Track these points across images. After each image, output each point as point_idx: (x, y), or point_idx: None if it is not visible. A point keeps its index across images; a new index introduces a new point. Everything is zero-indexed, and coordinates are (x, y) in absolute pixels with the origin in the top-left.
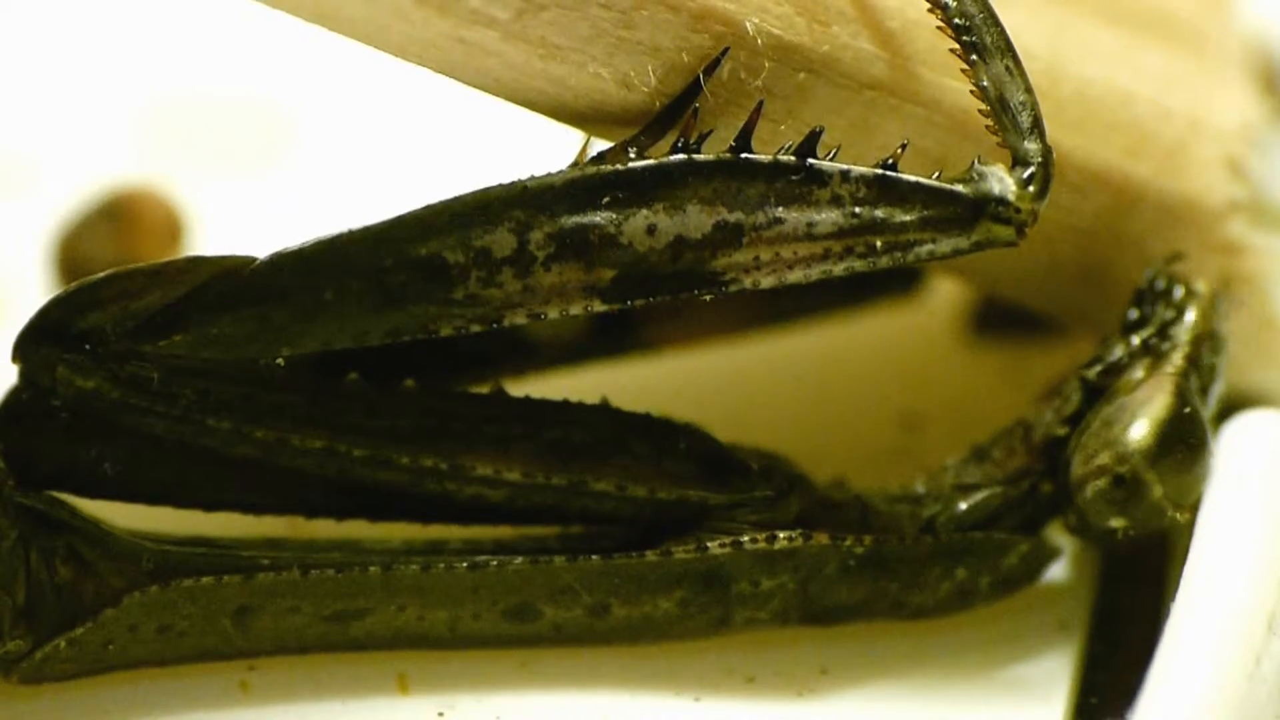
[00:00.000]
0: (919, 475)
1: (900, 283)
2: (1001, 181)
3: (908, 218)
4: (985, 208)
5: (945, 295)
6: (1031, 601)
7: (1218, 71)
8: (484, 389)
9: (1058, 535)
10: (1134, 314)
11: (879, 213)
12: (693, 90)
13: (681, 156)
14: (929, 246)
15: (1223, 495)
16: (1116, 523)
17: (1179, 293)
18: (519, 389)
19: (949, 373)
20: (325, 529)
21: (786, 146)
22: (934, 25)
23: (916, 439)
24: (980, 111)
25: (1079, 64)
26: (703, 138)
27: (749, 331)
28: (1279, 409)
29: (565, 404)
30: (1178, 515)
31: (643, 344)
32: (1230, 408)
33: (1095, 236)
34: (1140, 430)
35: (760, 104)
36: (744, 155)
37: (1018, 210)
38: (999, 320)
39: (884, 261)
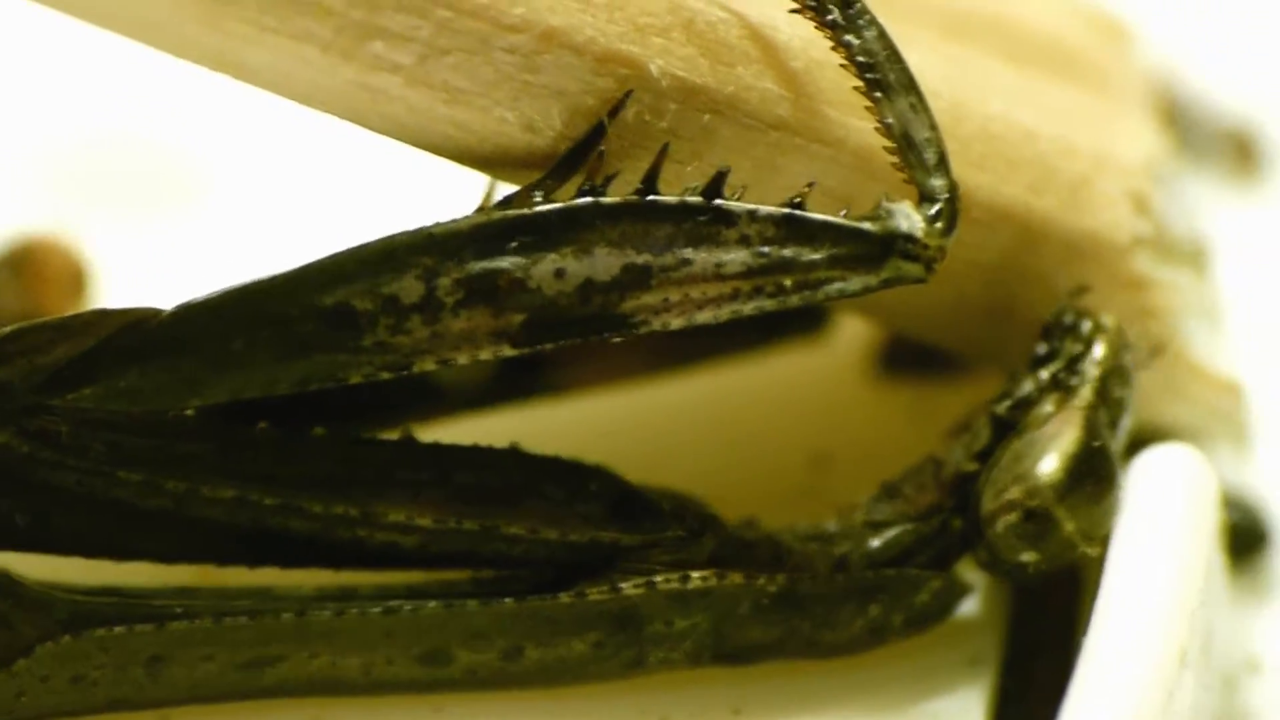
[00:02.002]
0: (830, 513)
1: (807, 322)
2: (909, 218)
3: (816, 256)
4: (894, 245)
5: (851, 334)
6: (943, 638)
7: (1120, 107)
8: (393, 435)
9: (969, 571)
10: (1042, 349)
11: (787, 252)
12: (597, 133)
13: (588, 199)
14: (838, 285)
15: (1133, 530)
16: (1027, 557)
17: (1086, 327)
18: (427, 435)
19: (856, 411)
20: (237, 576)
21: (693, 187)
22: (838, 64)
23: (824, 478)
24: (886, 149)
25: (981, 101)
26: (608, 180)
27: (656, 374)
28: (1186, 443)
29: (475, 449)
30: (1088, 549)
31: (550, 388)
32: (1138, 442)
33: (1001, 272)
34: (1050, 464)
35: (665, 146)
36: (650, 197)
37: (926, 246)
38: (904, 358)
39: (793, 300)
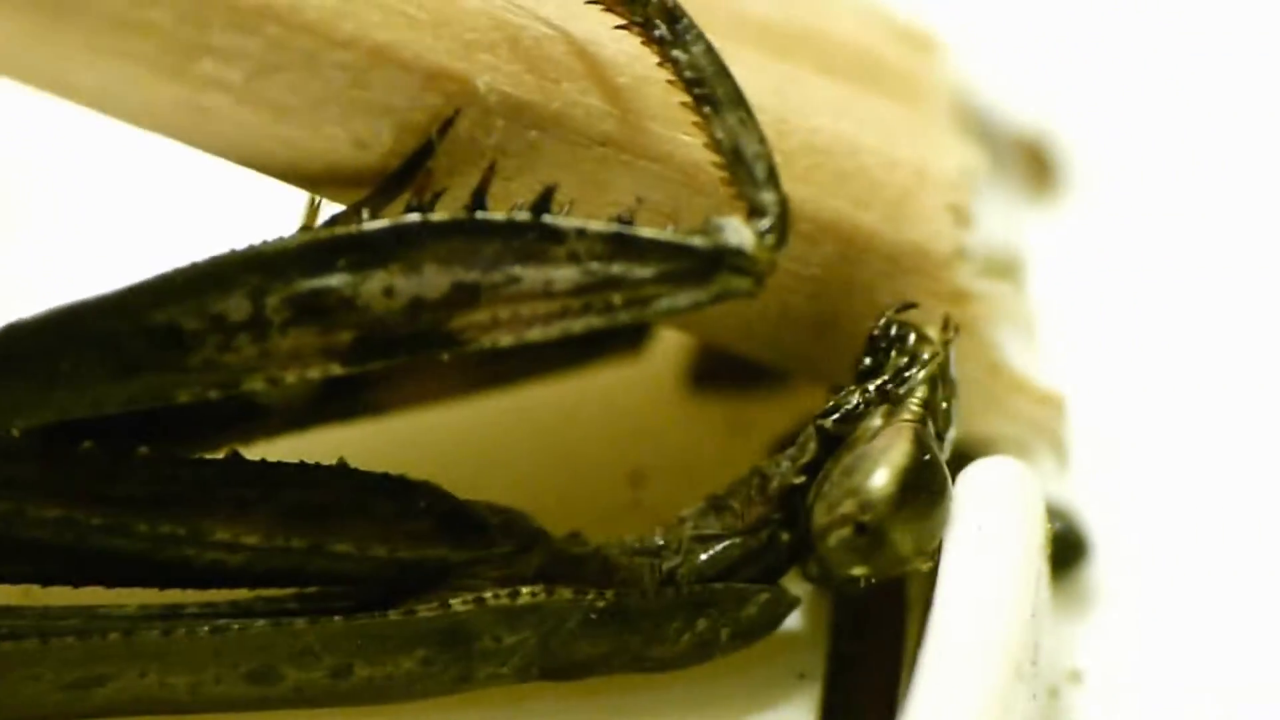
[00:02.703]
0: (658, 528)
1: (627, 340)
2: (739, 233)
3: (645, 273)
4: (723, 259)
5: (668, 350)
6: (771, 651)
7: (935, 119)
8: (219, 454)
9: (796, 584)
10: (867, 361)
11: (616, 268)
12: (426, 150)
13: (416, 217)
14: (668, 300)
15: (963, 542)
16: (859, 571)
17: (912, 339)
18: (253, 454)
19: (674, 427)
20: (61, 595)
21: (521, 204)
22: (664, 80)
23: (645, 494)
24: (714, 164)
25: (805, 116)
26: (436, 197)
27: (477, 393)
28: (1007, 455)
29: (302, 466)
30: (919, 562)
31: (373, 407)
32: (960, 455)
33: (826, 286)
34: (882, 478)
35: (493, 163)
36: (478, 214)
37: (755, 260)
38: (720, 373)
39: (623, 317)
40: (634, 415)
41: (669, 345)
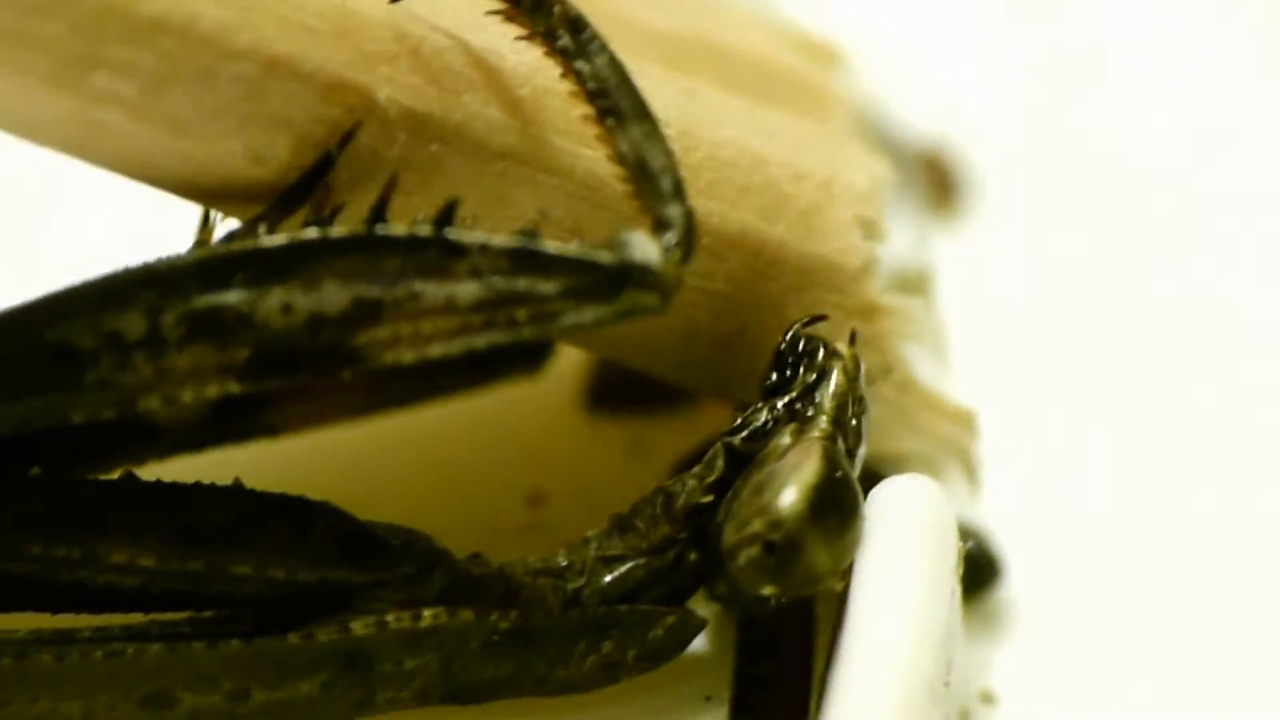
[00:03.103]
0: (561, 549)
1: (527, 358)
2: (644, 248)
3: (549, 288)
4: (629, 275)
5: (569, 368)
6: (677, 673)
7: (841, 132)
8: (113, 475)
9: (703, 605)
10: (775, 377)
11: (520, 284)
12: (325, 164)
13: (315, 232)
14: (572, 317)
15: (875, 562)
16: (768, 590)
17: (820, 355)
18: (147, 475)
19: (575, 447)
20: None
21: (423, 219)
22: (565, 92)
23: (546, 515)
24: (618, 178)
25: (710, 129)
26: (335, 212)
27: (375, 413)
28: (918, 473)
29: (198, 487)
30: (831, 582)
31: (268, 428)
32: (870, 473)
33: (732, 301)
34: (791, 496)
35: (394, 176)
36: (379, 229)
37: (661, 276)
38: (621, 391)
39: (527, 333)
40: (534, 435)
41: (569, 363)
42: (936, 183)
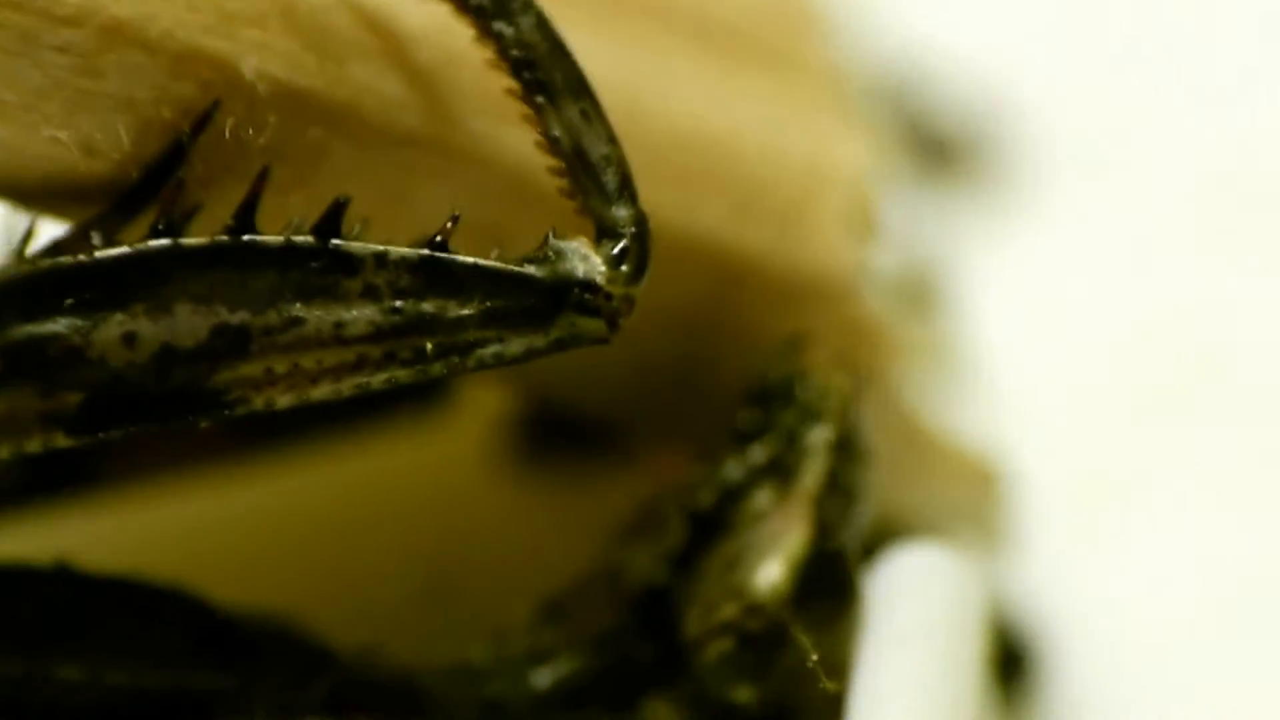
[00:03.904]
0: (477, 643)
1: (423, 396)
2: (586, 260)
3: (466, 312)
4: (567, 295)
5: (480, 408)
6: None
7: (830, 108)
8: None
9: (662, 714)
10: (750, 419)
11: (427, 306)
12: (175, 155)
13: (164, 241)
14: (494, 348)
15: (881, 657)
16: (744, 695)
17: (808, 390)
18: None
19: (490, 509)
20: None
21: (302, 224)
22: (482, 62)
23: (453, 598)
24: (550, 170)
25: (665, 100)
26: (190, 215)
27: (230, 461)
28: (935, 538)
29: (10, 570)
30: (824, 683)
31: (94, 479)
32: (871, 541)
33: (695, 323)
34: (773, 574)
35: (265, 170)
36: (247, 237)
37: (608, 296)
38: (550, 437)
39: (437, 369)
40: (437, 494)
41: (481, 401)
42: (952, 164)
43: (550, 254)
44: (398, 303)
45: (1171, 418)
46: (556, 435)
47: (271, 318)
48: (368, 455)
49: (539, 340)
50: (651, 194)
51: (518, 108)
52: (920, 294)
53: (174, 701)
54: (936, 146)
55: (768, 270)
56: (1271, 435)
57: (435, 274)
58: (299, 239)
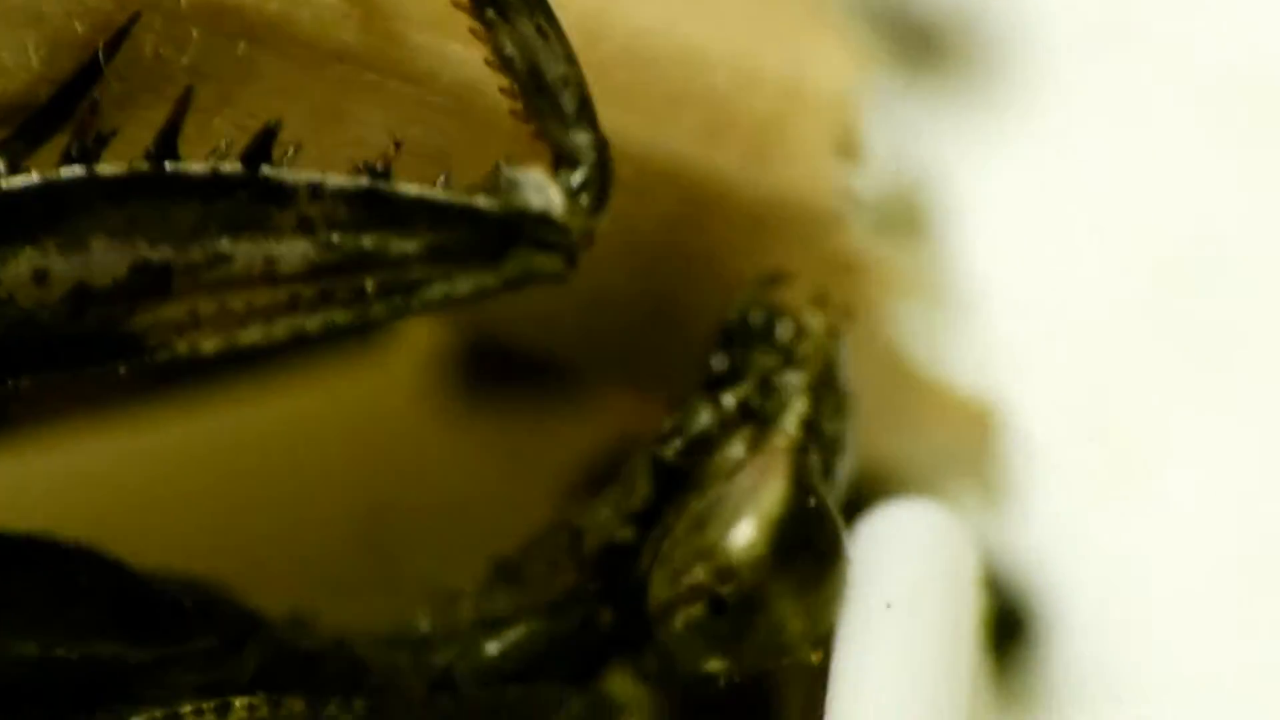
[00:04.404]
0: (423, 607)
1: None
2: (542, 191)
3: (409, 248)
4: (520, 229)
5: (419, 346)
6: None
7: (811, 23)
8: None
9: (624, 685)
10: (721, 363)
11: (368, 241)
12: (90, 74)
13: (77, 169)
14: (441, 287)
15: (864, 624)
16: (716, 665)
17: (785, 330)
18: None
19: (426, 449)
20: None
21: (228, 150)
22: None
23: (395, 556)
24: (502, 90)
25: (627, 15)
26: (105, 141)
27: (147, 398)
28: (925, 492)
29: None
30: (803, 653)
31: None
32: (855, 496)
33: (660, 256)
34: (747, 533)
35: (189, 90)
36: (169, 165)
37: (566, 230)
38: (497, 379)
39: (378, 310)
40: (372, 435)
41: (420, 340)
42: (941, 62)
43: (502, 184)
44: (334, 237)
45: (1187, 357)
46: (500, 372)
47: (196, 254)
48: (295, 392)
49: (490, 278)
50: (612, 117)
51: (466, 21)
52: (908, 221)
53: (87, 675)
54: (923, 41)
55: (740, 198)
56: None
57: (375, 206)
58: (226, 167)
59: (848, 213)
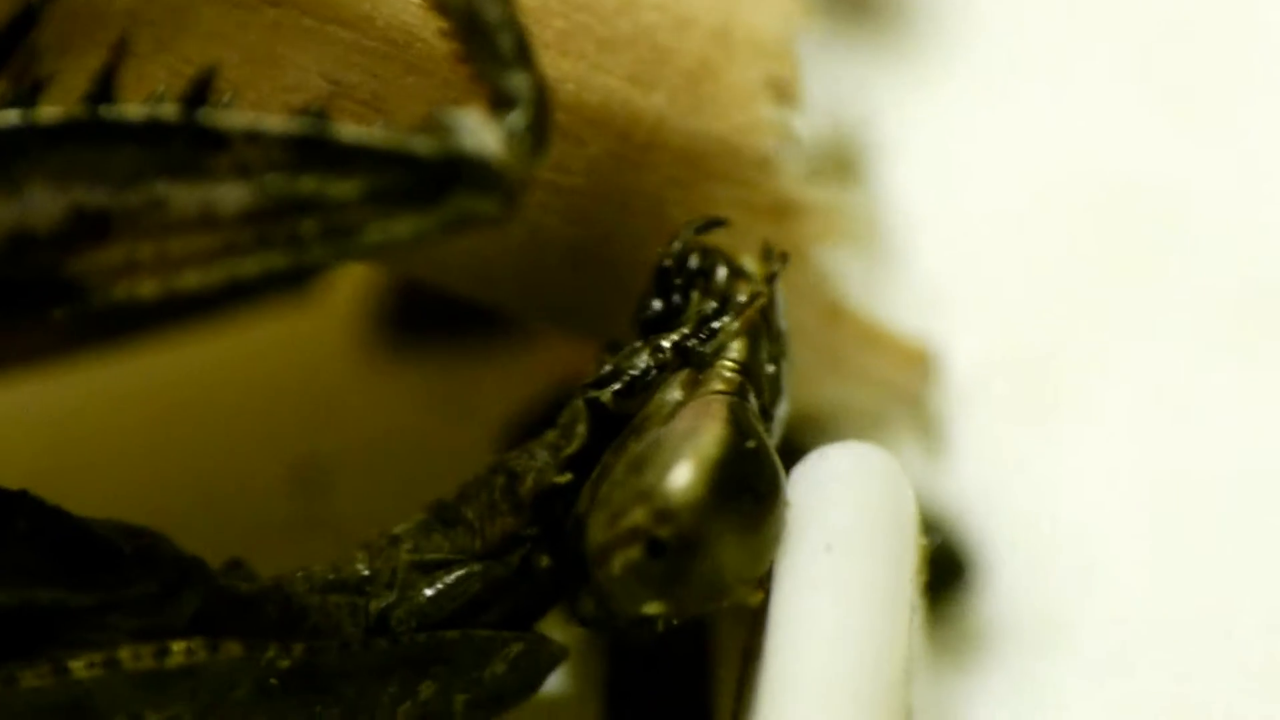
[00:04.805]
0: (359, 551)
1: (288, 277)
2: (479, 133)
3: (347, 191)
4: (459, 172)
5: (349, 290)
6: None
7: None
8: None
9: (561, 629)
10: (657, 305)
11: (305, 185)
12: (25, 20)
13: (14, 115)
14: (379, 230)
15: (803, 567)
16: (654, 608)
17: (721, 273)
18: None
19: (357, 393)
20: None
21: (165, 94)
22: None
23: (329, 500)
24: (437, 32)
25: None
26: (40, 87)
27: (75, 342)
28: (863, 435)
29: None
30: (742, 594)
31: None
32: (793, 440)
33: (593, 199)
34: (685, 475)
35: (125, 36)
36: (105, 110)
37: (504, 173)
38: (429, 322)
39: (316, 253)
40: (308, 387)
41: (351, 283)
42: (882, 12)
43: (440, 127)
44: (271, 181)
45: (1122, 298)
46: (435, 317)
47: (133, 198)
48: (229, 337)
49: (428, 222)
50: (546, 61)
51: None
52: (842, 164)
53: (27, 620)
54: None
55: (673, 141)
56: (1230, 318)
57: (312, 149)
58: (162, 112)
59: (782, 156)
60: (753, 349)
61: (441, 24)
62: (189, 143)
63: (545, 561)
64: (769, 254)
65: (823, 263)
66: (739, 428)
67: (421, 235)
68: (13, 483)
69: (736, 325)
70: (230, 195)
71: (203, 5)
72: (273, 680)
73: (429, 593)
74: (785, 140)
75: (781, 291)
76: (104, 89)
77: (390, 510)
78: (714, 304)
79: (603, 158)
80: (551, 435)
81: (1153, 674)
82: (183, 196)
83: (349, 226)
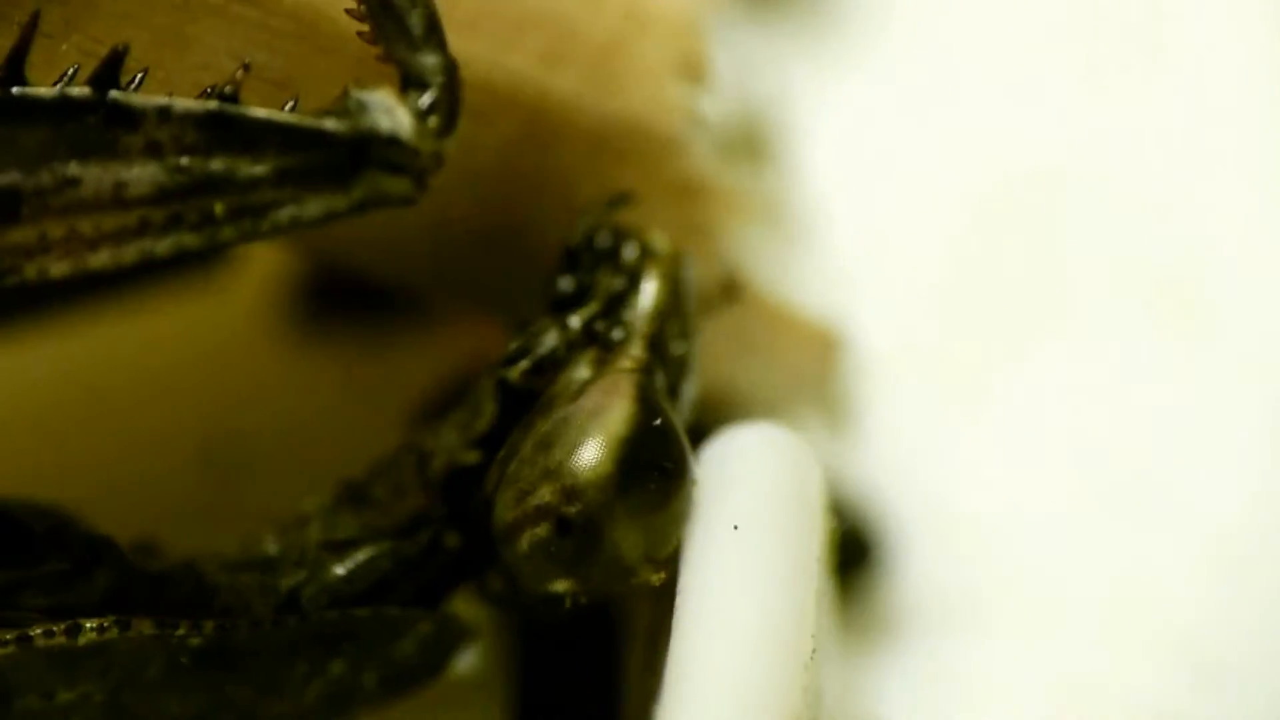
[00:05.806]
0: (270, 530)
1: (197, 259)
2: (390, 113)
3: (258, 171)
4: (369, 151)
5: (259, 272)
6: (436, 703)
7: None
8: None
9: (470, 607)
10: (566, 284)
11: (216, 164)
12: None
13: None
14: (290, 210)
15: (710, 547)
16: (562, 586)
17: (630, 252)
18: None
19: (268, 374)
20: None
21: (76, 74)
22: None
23: (235, 467)
24: (348, 12)
25: None
26: None
27: None
28: (771, 416)
29: None
30: (648, 574)
31: None
32: (701, 419)
33: (503, 179)
34: (593, 453)
35: (36, 15)
36: (16, 90)
37: (416, 152)
38: (337, 303)
39: (228, 234)
40: (218, 366)
41: (263, 265)
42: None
43: (351, 106)
44: (183, 160)
45: (1032, 282)
46: (345, 298)
47: (44, 178)
48: (139, 317)
49: (339, 201)
50: (455, 41)
51: None
52: (751, 145)
53: None
54: None
55: (582, 122)
56: (1139, 300)
57: (224, 129)
58: (74, 91)
59: (691, 136)
60: (660, 327)
61: (350, 3)
62: (100, 122)
63: (454, 540)
64: (679, 234)
65: (732, 244)
66: (646, 405)
67: (333, 215)
68: None
69: (645, 304)
70: (142, 174)
71: None
72: (184, 658)
73: (339, 571)
74: (694, 120)
75: (690, 271)
76: (14, 68)
77: (302, 490)
78: (623, 282)
79: (512, 137)
80: (460, 415)
81: (1059, 653)
82: (94, 176)
83: (260, 206)
